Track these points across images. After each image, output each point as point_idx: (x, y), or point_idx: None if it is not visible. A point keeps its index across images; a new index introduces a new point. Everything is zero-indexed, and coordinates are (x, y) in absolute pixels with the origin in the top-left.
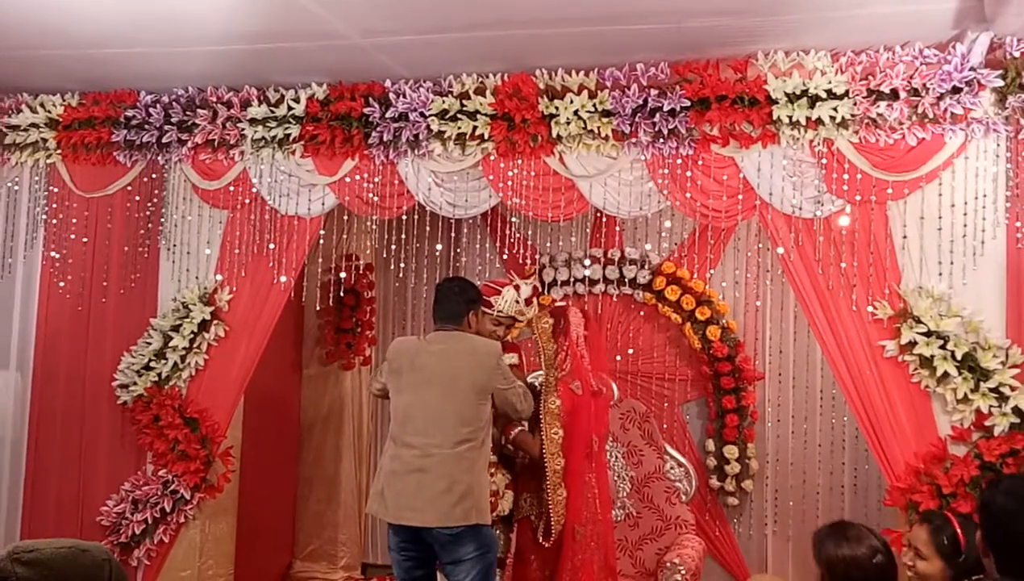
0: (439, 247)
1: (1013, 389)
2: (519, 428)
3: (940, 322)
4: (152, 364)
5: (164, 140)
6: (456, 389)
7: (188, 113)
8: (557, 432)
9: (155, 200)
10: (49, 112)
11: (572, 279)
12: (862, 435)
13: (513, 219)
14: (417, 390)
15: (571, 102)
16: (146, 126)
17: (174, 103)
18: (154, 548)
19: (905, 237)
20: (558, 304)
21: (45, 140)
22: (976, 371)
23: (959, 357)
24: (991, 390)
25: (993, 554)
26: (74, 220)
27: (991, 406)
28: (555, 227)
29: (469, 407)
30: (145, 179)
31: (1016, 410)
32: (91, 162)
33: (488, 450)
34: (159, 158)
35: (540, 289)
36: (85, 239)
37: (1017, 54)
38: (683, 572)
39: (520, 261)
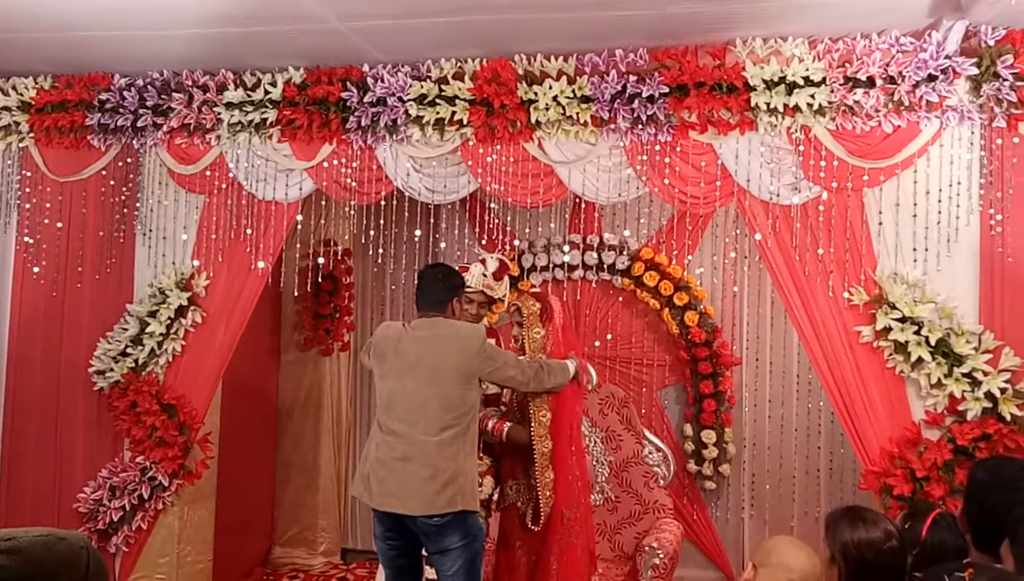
0: (418, 233)
1: (986, 374)
2: (508, 424)
3: (915, 308)
4: (129, 350)
5: (139, 124)
6: (439, 376)
7: (163, 97)
8: (545, 415)
9: (130, 185)
10: (21, 95)
11: (551, 265)
12: (838, 420)
13: (492, 205)
14: (400, 377)
15: (550, 88)
16: (120, 110)
17: (149, 86)
18: (132, 535)
19: (881, 224)
20: (534, 290)
21: (17, 123)
22: (950, 356)
23: (933, 342)
24: (964, 375)
25: (970, 528)
26: (48, 204)
27: (964, 391)
28: (534, 213)
29: (453, 394)
30: (120, 163)
31: (989, 395)
32: (64, 146)
33: (474, 435)
34: (134, 142)
35: (509, 266)
36: (59, 224)
37: (992, 42)
38: (661, 556)
39: (499, 247)
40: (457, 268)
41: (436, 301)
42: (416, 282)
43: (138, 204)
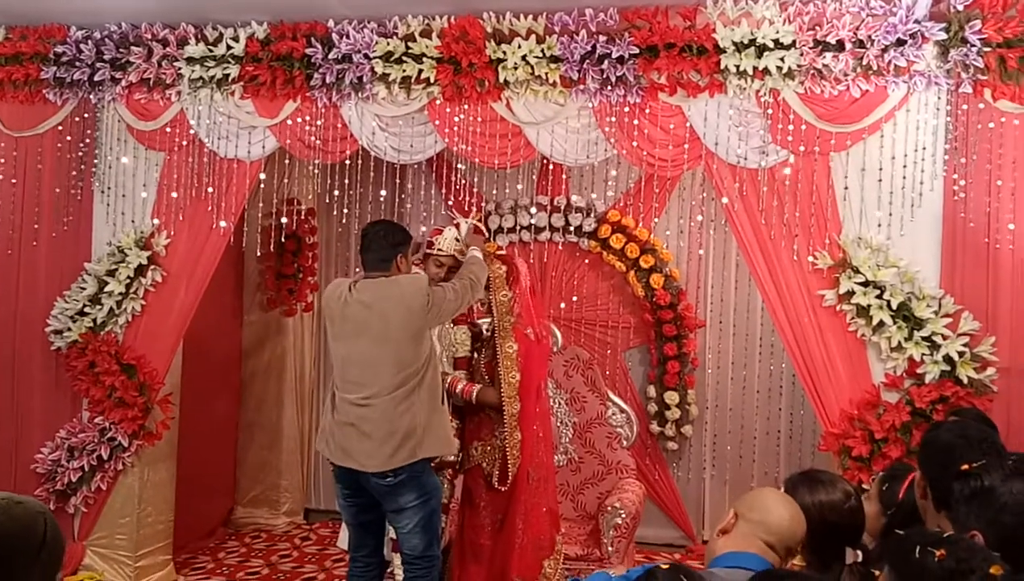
0: (383, 193)
1: (945, 338)
2: (477, 387)
3: (877, 272)
4: (87, 309)
5: (96, 78)
6: (389, 336)
7: (121, 50)
8: (515, 376)
9: (88, 140)
10: None
11: (518, 226)
12: (799, 382)
13: (459, 165)
14: (350, 340)
15: (519, 47)
16: (77, 63)
17: (106, 39)
18: (91, 495)
19: (846, 188)
20: (500, 253)
21: None
22: (910, 320)
23: (894, 307)
24: (924, 339)
25: (932, 492)
26: (2, 160)
27: (923, 354)
28: (501, 174)
29: (406, 351)
30: (77, 118)
31: (947, 358)
32: (19, 100)
33: (431, 384)
34: (91, 97)
35: (484, 232)
36: (14, 180)
37: (960, 7)
38: (624, 515)
39: (466, 208)
40: (430, 231)
41: (380, 260)
42: (360, 240)
43: (96, 160)
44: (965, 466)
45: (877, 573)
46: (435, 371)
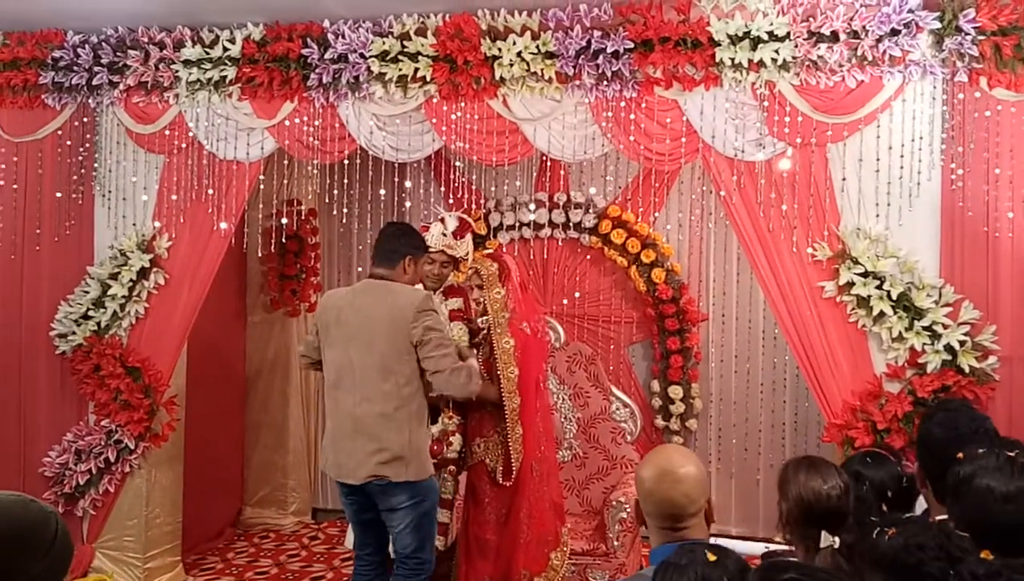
0: (383, 192)
1: (945, 327)
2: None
3: (877, 263)
4: (91, 313)
5: (94, 82)
6: (377, 343)
7: (119, 54)
8: (513, 371)
9: (87, 144)
10: None
11: (518, 223)
12: (802, 374)
13: (457, 163)
14: (343, 346)
15: (514, 43)
16: (75, 68)
17: (103, 44)
18: (99, 498)
19: (844, 179)
20: (487, 252)
21: None
22: (911, 310)
23: (894, 297)
24: (924, 328)
25: (931, 484)
26: (3, 165)
27: (924, 344)
28: (500, 171)
29: (392, 361)
30: (76, 123)
31: (948, 347)
32: (18, 105)
33: (422, 407)
34: (90, 101)
35: (471, 224)
36: (15, 185)
37: None
38: (629, 510)
39: (465, 206)
40: (419, 228)
41: (389, 251)
42: (377, 235)
43: (96, 164)
44: (960, 455)
45: None
46: (421, 394)
